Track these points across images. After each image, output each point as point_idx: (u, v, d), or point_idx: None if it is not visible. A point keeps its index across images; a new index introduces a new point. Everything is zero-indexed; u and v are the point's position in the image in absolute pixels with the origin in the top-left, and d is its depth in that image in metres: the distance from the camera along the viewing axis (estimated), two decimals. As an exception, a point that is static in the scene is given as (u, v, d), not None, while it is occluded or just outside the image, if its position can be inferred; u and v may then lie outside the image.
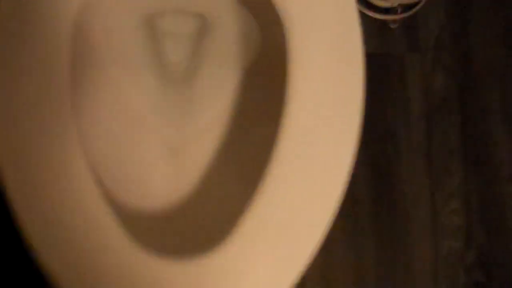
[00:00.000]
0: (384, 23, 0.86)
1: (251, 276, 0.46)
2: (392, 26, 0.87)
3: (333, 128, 0.49)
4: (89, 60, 0.56)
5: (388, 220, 0.79)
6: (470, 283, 0.78)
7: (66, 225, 0.43)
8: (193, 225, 0.52)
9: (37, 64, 0.45)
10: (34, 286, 0.72)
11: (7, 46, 0.46)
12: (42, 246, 0.42)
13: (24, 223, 0.43)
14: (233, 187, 0.52)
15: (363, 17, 0.86)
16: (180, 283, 0.44)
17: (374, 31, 0.86)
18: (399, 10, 0.86)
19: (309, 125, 0.48)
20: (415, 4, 0.87)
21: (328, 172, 0.49)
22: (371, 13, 0.86)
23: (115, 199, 0.50)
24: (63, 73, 0.45)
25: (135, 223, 0.49)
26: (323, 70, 0.50)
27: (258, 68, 0.58)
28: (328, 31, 0.51)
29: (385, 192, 0.80)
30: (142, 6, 0.61)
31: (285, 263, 0.47)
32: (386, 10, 0.87)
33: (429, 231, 0.79)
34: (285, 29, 0.50)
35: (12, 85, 0.45)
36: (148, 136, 0.57)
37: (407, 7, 0.87)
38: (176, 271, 0.45)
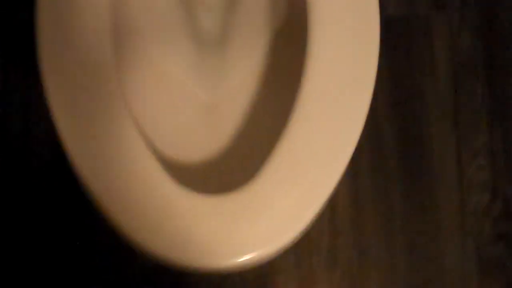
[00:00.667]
0: (409, -16, 0.88)
1: (279, 206, 0.51)
2: (418, -13, 0.88)
3: (351, 79, 0.53)
4: (128, 35, 0.61)
5: (416, 177, 0.82)
6: (496, 234, 0.81)
7: (120, 173, 0.50)
8: (229, 168, 0.59)
9: (83, 51, 0.51)
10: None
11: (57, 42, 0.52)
12: (101, 189, 0.50)
13: (87, 178, 0.50)
14: (263, 135, 0.57)
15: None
16: (218, 213, 0.50)
17: (400, -7, 0.88)
18: (424, -28, 0.88)
19: (329, 75, 0.53)
20: (441, -35, 0.88)
21: (347, 117, 0.53)
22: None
23: (161, 152, 0.57)
24: (107, 52, 0.51)
25: (178, 170, 0.55)
26: (341, 30, 0.54)
27: (285, 31, 0.62)
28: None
29: (413, 150, 0.83)
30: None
31: (305, 200, 0.52)
32: (411, -28, 0.89)
33: (456, 186, 0.82)
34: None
35: (69, 73, 0.52)
36: (186, 97, 0.63)
37: (433, -32, 0.88)
38: (208, 204, 0.51)
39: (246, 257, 0.50)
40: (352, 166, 0.81)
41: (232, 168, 0.59)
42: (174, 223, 0.50)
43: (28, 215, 0.79)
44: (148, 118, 0.58)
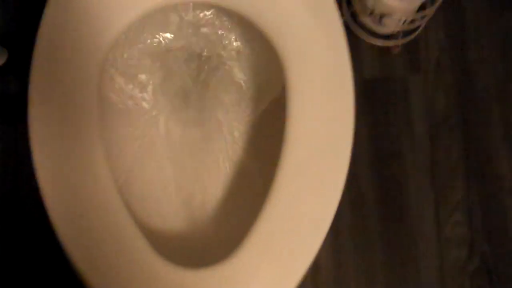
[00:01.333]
0: (386, 48, 0.93)
1: (261, 278, 0.54)
2: (394, 51, 0.93)
3: (327, 153, 0.57)
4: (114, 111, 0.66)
5: (396, 234, 0.85)
6: (474, 289, 0.84)
7: (109, 252, 0.53)
8: (207, 241, 0.62)
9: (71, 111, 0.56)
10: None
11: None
12: (89, 267, 0.53)
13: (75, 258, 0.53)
14: (244, 209, 0.60)
15: (366, 44, 0.92)
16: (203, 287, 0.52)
17: (377, 57, 0.92)
18: (400, 36, 0.92)
19: (307, 148, 0.56)
20: (415, 29, 0.93)
21: (323, 191, 0.56)
22: (373, 40, 0.92)
23: (147, 225, 0.61)
24: (93, 114, 0.55)
25: (164, 244, 0.58)
26: (318, 103, 0.58)
27: (268, 106, 0.67)
28: (321, 68, 0.59)
29: (392, 208, 0.86)
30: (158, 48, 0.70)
31: (287, 270, 0.55)
32: (387, 37, 0.93)
33: (434, 243, 0.85)
34: (285, 69, 0.59)
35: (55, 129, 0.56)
36: (173, 170, 0.67)
37: (407, 32, 0.93)
38: (192, 278, 0.53)
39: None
40: (333, 226, 0.84)
41: (214, 242, 0.62)
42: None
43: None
44: (135, 193, 0.62)
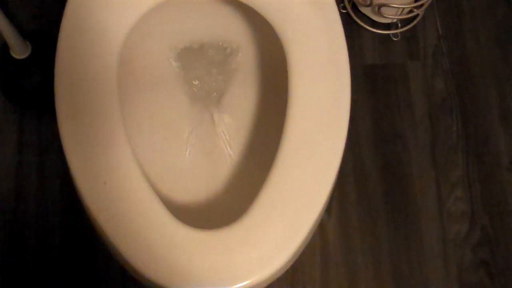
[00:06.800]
0: (387, 37, 0.98)
1: (268, 238, 0.58)
2: (394, 39, 0.98)
3: (327, 124, 0.61)
4: (132, 85, 0.71)
5: (399, 210, 0.89)
6: (476, 261, 0.87)
7: (129, 215, 0.58)
8: (219, 210, 0.67)
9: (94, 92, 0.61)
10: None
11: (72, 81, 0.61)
12: (113, 231, 0.57)
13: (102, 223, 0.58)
14: (251, 177, 0.65)
15: (368, 33, 0.97)
16: (215, 246, 0.57)
17: (378, 45, 0.97)
18: (399, 25, 0.97)
19: (308, 121, 0.61)
20: (413, 18, 0.98)
21: (323, 159, 0.60)
22: (374, 29, 0.97)
23: (162, 193, 0.66)
24: (114, 98, 0.60)
25: (178, 209, 0.63)
26: (317, 82, 0.62)
27: (272, 82, 0.72)
28: (319, 49, 0.64)
29: (396, 186, 0.90)
30: (173, 41, 0.75)
31: (294, 226, 0.59)
32: (387, 26, 0.98)
33: (437, 218, 0.89)
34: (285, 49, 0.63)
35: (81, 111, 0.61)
36: (184, 144, 0.73)
37: (406, 21, 0.98)
38: (206, 238, 0.58)
39: (242, 284, 0.57)
40: (340, 201, 0.88)
41: (225, 207, 0.67)
42: (176, 256, 0.57)
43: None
44: (151, 163, 0.67)
